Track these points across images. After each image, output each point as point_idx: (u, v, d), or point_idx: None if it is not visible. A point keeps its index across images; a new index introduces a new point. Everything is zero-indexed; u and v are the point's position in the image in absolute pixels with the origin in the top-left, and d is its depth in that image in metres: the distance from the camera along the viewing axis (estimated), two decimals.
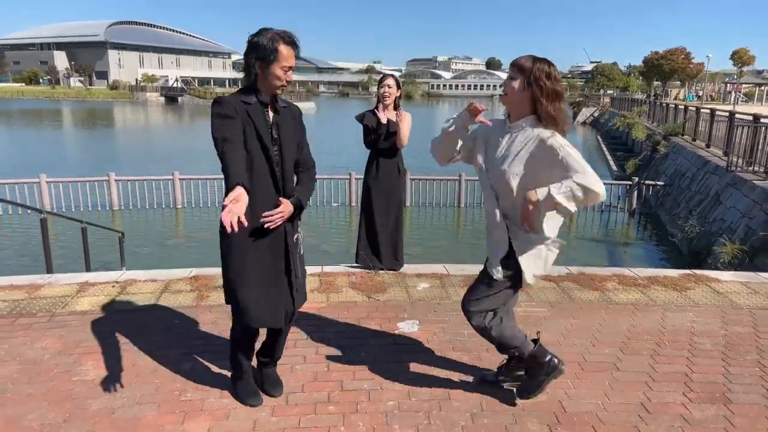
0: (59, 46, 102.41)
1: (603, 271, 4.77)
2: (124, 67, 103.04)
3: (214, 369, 3.03)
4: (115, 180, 13.67)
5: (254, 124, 2.39)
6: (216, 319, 3.67)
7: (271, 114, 2.48)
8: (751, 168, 10.38)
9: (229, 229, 2.02)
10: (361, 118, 4.58)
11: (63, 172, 17.65)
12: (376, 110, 4.51)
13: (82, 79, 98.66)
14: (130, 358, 3.14)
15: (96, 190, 13.59)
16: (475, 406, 2.72)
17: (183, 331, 3.49)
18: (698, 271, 4.84)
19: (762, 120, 10.65)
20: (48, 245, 5.97)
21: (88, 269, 7.23)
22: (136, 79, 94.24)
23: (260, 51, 2.35)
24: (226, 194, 2.15)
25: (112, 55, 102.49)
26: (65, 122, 46.40)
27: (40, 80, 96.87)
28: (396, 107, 4.54)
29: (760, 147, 10.26)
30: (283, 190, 2.50)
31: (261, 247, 2.47)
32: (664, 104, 23.93)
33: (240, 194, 2.13)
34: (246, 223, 2.10)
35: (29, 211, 12.70)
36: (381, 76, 4.87)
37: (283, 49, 2.37)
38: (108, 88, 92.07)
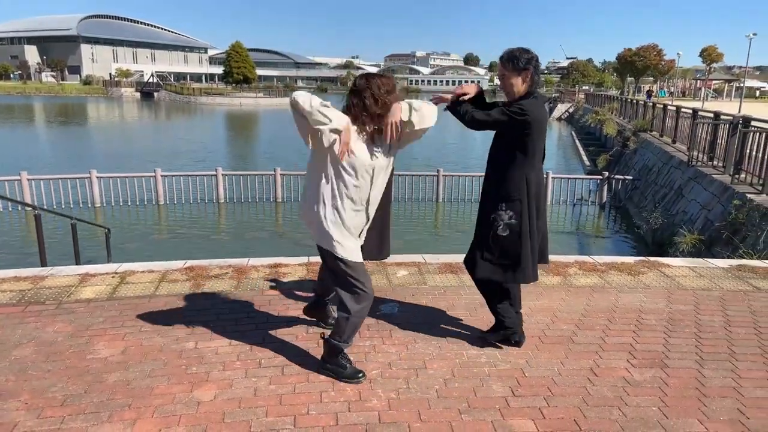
0: (30, 40, 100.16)
1: (566, 259, 5.21)
2: (97, 62, 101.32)
3: (216, 347, 3.37)
4: (97, 177, 13.78)
5: None
6: (213, 304, 4.00)
7: None
8: (711, 163, 11.00)
9: None
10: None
11: (42, 169, 17.62)
12: None
13: (54, 74, 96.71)
14: (137, 339, 3.46)
15: (78, 187, 13.69)
16: (447, 374, 3.11)
17: (184, 315, 3.81)
18: (652, 258, 5.33)
19: (722, 117, 11.27)
20: (42, 240, 6.21)
21: (77, 264, 7.45)
22: (110, 74, 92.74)
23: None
24: None
25: (85, 49, 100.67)
26: (39, 118, 45.67)
27: (11, 75, 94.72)
28: None
29: (719, 143, 10.88)
30: None
31: None
32: (634, 101, 24.70)
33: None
34: None
35: (10, 208, 12.81)
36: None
37: None
38: (81, 83, 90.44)
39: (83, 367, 3.12)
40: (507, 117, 3.02)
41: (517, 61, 3.05)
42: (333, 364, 3.06)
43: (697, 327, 3.81)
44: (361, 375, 3.04)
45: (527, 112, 2.98)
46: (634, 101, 24.32)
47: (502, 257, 3.16)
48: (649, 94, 45.06)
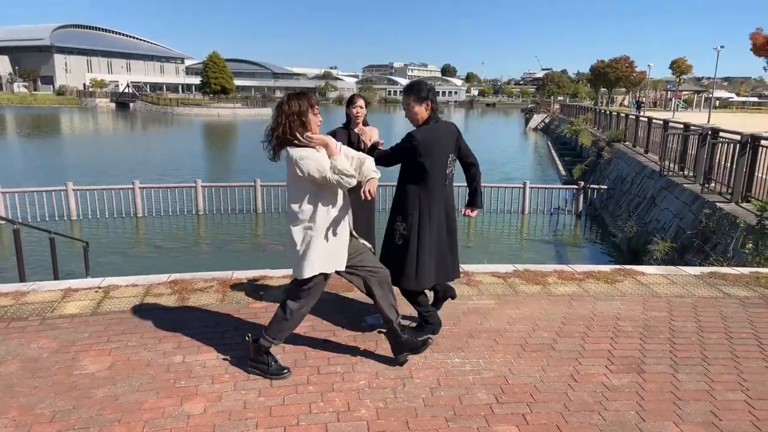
0: (1, 50, 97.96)
1: (545, 268, 5.34)
2: (71, 72, 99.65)
3: (204, 360, 3.39)
4: (73, 189, 13.59)
5: None
6: (199, 317, 4.02)
7: None
8: (682, 172, 11.34)
9: None
10: (332, 135, 4.98)
11: (16, 182, 17.29)
12: (350, 130, 4.84)
13: (26, 84, 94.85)
14: (123, 354, 3.47)
15: (53, 199, 13.47)
16: (434, 383, 3.19)
17: (170, 329, 3.82)
18: (627, 266, 5.49)
19: (692, 128, 11.64)
20: (21, 255, 6.12)
21: (56, 279, 7.36)
22: (84, 84, 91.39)
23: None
24: None
25: (58, 59, 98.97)
26: (11, 130, 44.74)
27: None
28: (365, 124, 4.99)
29: (689, 153, 11.23)
30: None
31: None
32: (608, 112, 25.28)
33: None
34: None
35: None
36: (350, 95, 5.29)
37: None
38: (54, 94, 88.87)
39: (70, 383, 3.12)
40: (402, 145, 3.51)
41: (419, 92, 3.50)
42: (258, 361, 3.23)
43: (672, 333, 3.95)
44: (286, 371, 3.21)
45: (413, 137, 3.45)
46: (608, 112, 24.88)
47: (394, 262, 3.58)
48: (638, 105, 41.39)
